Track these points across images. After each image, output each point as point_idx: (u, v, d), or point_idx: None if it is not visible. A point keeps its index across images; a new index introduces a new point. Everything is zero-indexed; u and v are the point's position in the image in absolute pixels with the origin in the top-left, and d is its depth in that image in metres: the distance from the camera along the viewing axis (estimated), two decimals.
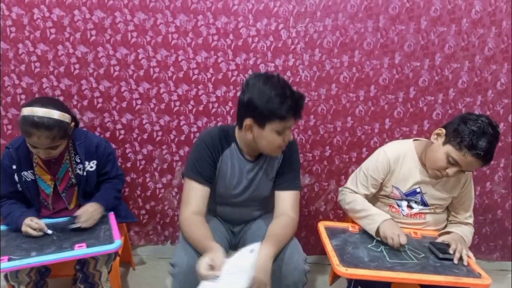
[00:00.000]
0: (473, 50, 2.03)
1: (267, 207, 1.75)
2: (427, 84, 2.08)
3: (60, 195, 1.80)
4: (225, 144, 1.60)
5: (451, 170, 1.57)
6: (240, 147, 1.61)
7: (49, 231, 1.62)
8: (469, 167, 1.56)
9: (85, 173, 1.79)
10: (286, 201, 1.62)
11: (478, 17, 1.98)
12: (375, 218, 1.65)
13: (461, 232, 1.69)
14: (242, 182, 1.64)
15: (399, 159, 1.74)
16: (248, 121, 1.45)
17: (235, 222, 1.77)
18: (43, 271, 1.67)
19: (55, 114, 1.59)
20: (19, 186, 1.72)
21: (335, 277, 2.24)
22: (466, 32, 2.00)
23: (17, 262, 1.42)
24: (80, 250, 1.50)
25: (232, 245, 1.76)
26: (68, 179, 1.80)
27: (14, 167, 1.70)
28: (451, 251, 1.56)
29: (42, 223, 1.62)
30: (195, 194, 1.55)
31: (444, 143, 1.58)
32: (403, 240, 1.54)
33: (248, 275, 1.24)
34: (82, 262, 1.67)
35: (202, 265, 1.25)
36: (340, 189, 1.89)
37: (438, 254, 1.55)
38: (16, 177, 1.71)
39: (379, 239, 1.63)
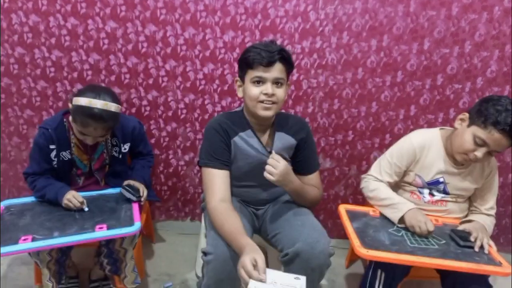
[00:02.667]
0: (504, 39, 1.99)
1: None
2: (455, 71, 2.05)
3: (92, 173, 1.86)
4: (238, 129, 1.60)
5: (479, 152, 1.56)
6: (254, 130, 1.62)
7: (86, 208, 1.67)
8: (497, 145, 1.55)
9: (120, 156, 1.84)
10: (308, 182, 1.69)
11: (510, 5, 1.93)
12: (399, 207, 1.66)
13: (483, 221, 1.69)
14: (256, 163, 1.62)
15: (425, 147, 1.73)
16: (236, 79, 1.58)
17: (256, 203, 1.78)
18: (65, 248, 1.70)
19: (113, 107, 1.63)
20: (54, 163, 1.75)
21: (352, 260, 2.26)
22: (497, 20, 1.96)
23: (40, 243, 1.46)
24: (101, 232, 1.53)
25: (256, 229, 1.77)
26: (102, 159, 1.85)
27: (52, 147, 1.72)
28: (472, 239, 1.56)
29: (83, 200, 1.67)
30: (217, 181, 1.54)
31: (469, 125, 1.59)
32: (431, 227, 1.55)
33: None
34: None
35: (249, 264, 1.23)
36: (362, 176, 1.89)
37: (459, 241, 1.55)
38: (53, 157, 1.74)
39: (402, 225, 1.64)
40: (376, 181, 1.79)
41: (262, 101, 1.49)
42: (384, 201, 1.71)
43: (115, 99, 1.69)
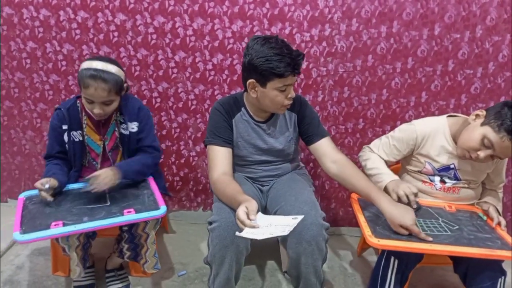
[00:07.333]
0: None
1: (288, 159, 1.86)
2: (467, 57, 2.02)
3: (107, 155, 1.87)
4: (235, 109, 1.71)
5: (483, 153, 1.54)
6: (249, 111, 1.72)
7: (47, 186, 1.62)
8: (502, 152, 1.52)
9: (128, 133, 1.84)
10: (325, 149, 1.70)
11: None
12: (383, 177, 1.70)
13: (495, 200, 1.75)
14: (257, 141, 1.74)
15: (429, 136, 1.72)
16: (251, 82, 1.55)
17: (262, 179, 1.84)
18: (90, 235, 1.74)
19: (112, 68, 1.67)
20: (66, 145, 1.79)
21: (364, 248, 2.27)
22: (509, 4, 1.93)
23: (71, 228, 1.48)
24: (130, 216, 1.57)
25: (263, 208, 1.80)
26: (115, 139, 1.86)
27: (64, 127, 1.76)
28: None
29: (42, 181, 1.63)
30: (219, 157, 1.65)
31: (483, 124, 1.55)
32: (415, 189, 1.60)
33: (285, 228, 1.31)
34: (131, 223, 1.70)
35: (241, 212, 1.33)
36: (363, 146, 1.92)
37: None
38: (65, 137, 1.78)
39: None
40: (371, 152, 1.84)
41: (285, 104, 1.60)
42: (371, 170, 1.76)
43: (117, 65, 1.71)
